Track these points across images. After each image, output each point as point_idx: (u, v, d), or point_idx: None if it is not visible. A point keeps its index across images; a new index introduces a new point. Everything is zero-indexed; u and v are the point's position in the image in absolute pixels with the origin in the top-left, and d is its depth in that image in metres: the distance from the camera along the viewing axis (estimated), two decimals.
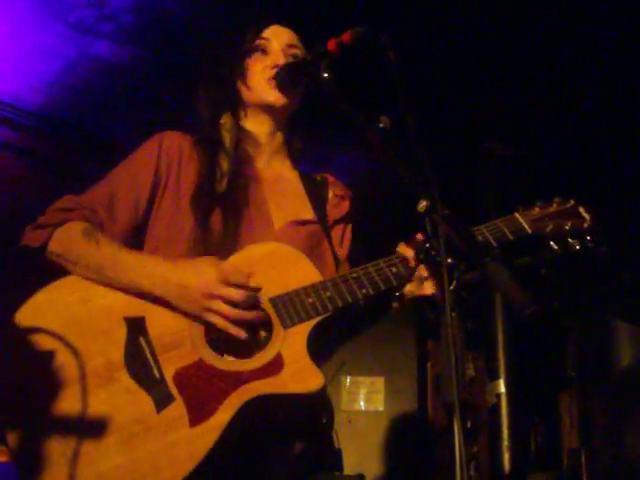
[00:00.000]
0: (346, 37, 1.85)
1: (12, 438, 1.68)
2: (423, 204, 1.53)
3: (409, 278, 1.86)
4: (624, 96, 4.07)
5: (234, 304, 1.78)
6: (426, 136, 1.57)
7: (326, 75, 1.84)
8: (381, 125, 1.73)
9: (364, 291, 1.84)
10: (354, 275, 1.86)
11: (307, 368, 1.76)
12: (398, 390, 4.96)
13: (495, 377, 4.24)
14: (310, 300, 1.82)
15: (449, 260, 1.45)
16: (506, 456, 4.04)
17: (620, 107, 4.15)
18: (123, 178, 2.02)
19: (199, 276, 1.79)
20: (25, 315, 1.80)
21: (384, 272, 1.87)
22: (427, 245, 1.63)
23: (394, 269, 1.87)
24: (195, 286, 1.78)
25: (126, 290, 1.83)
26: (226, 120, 2.12)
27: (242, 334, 1.77)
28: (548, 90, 4.14)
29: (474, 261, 1.43)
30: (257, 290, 1.82)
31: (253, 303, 1.80)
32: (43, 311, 1.81)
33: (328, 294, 1.83)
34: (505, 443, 4.06)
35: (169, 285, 1.80)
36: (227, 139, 2.09)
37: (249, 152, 2.13)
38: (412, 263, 1.85)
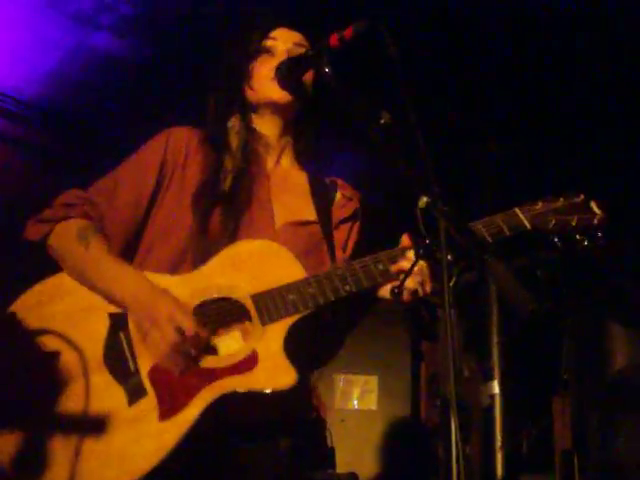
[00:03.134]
0: (348, 32, 1.84)
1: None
2: (424, 200, 1.52)
3: (407, 274, 1.82)
4: (625, 94, 4.06)
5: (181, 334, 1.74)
6: (425, 134, 1.56)
7: (327, 70, 1.82)
8: (382, 121, 1.72)
9: (347, 288, 1.82)
10: (338, 272, 1.85)
11: (280, 366, 1.74)
12: (391, 389, 4.97)
13: (489, 378, 4.23)
14: (291, 297, 1.80)
15: (449, 257, 1.44)
16: (499, 457, 4.04)
17: (621, 106, 4.15)
18: (128, 174, 2.02)
19: (165, 297, 1.79)
20: (16, 310, 1.85)
21: (370, 269, 1.85)
22: (427, 241, 1.61)
23: (380, 266, 1.85)
24: (158, 303, 1.78)
25: (102, 295, 1.85)
26: (234, 123, 2.09)
27: (176, 368, 1.75)
28: (547, 90, 4.14)
29: (475, 258, 1.42)
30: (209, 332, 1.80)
31: (198, 342, 1.76)
32: (31, 306, 1.85)
33: (310, 291, 1.81)
34: (498, 444, 4.05)
35: (136, 298, 1.81)
36: (234, 141, 2.07)
37: (260, 151, 2.11)
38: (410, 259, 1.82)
